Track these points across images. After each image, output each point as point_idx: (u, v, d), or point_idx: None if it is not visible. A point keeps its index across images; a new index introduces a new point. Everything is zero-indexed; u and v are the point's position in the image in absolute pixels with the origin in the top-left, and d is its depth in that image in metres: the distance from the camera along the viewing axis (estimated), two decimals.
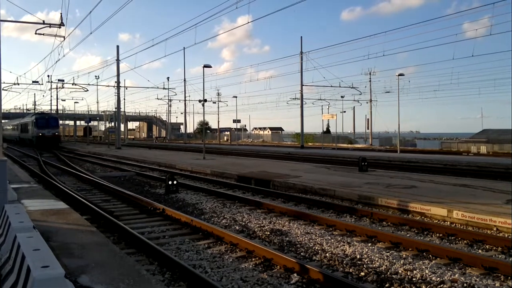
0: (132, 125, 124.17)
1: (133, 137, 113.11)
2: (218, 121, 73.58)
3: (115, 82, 45.08)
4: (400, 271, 6.07)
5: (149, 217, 9.87)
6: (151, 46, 54.19)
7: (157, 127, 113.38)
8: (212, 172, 18.73)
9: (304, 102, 46.31)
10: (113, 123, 53.36)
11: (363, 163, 17.83)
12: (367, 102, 61.93)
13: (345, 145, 52.88)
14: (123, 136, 61.44)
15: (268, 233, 8.33)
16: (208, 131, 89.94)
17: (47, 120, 47.99)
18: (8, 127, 68.91)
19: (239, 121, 66.80)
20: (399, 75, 35.82)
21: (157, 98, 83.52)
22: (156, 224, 9.14)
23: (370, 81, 61.31)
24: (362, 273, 6.02)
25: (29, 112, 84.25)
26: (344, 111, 54.80)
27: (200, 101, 44.29)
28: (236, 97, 71.23)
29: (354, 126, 72.78)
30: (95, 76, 69.16)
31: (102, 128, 75.83)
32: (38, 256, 3.79)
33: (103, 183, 14.91)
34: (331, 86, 50.95)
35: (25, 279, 3.58)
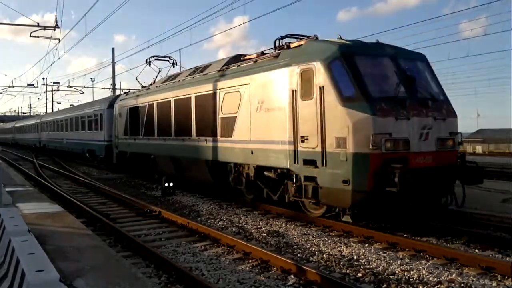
0: None
1: None
2: None
3: (111, 84, 44.92)
4: (397, 272, 6.06)
5: (145, 219, 9.82)
6: (147, 48, 54.14)
7: None
8: None
9: None
10: None
11: None
12: None
13: None
14: None
15: (265, 234, 8.30)
16: None
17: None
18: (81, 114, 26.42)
19: None
20: None
21: None
22: (153, 226, 9.09)
23: None
24: (360, 274, 6.01)
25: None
26: None
27: None
28: None
29: None
30: (91, 78, 68.87)
31: None
32: (32, 260, 3.76)
33: (99, 186, 14.85)
34: None
35: (19, 283, 3.55)
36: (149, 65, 17.34)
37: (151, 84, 17.12)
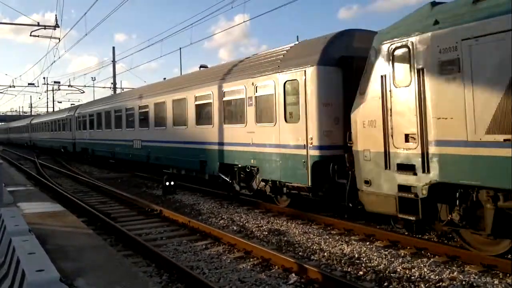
0: None
1: None
2: None
3: (112, 83, 44.96)
4: (398, 270, 6.05)
5: (147, 218, 9.83)
6: (147, 47, 54.04)
7: None
8: None
9: None
10: None
11: None
12: None
13: None
14: None
15: (266, 233, 8.30)
16: None
17: None
18: None
19: None
20: None
21: None
22: (154, 225, 9.09)
23: None
24: (361, 272, 6.00)
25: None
26: None
27: None
28: None
29: None
30: (92, 77, 68.59)
31: None
32: (33, 259, 3.75)
33: (100, 185, 14.85)
34: None
35: (20, 283, 3.54)
36: None
37: None
